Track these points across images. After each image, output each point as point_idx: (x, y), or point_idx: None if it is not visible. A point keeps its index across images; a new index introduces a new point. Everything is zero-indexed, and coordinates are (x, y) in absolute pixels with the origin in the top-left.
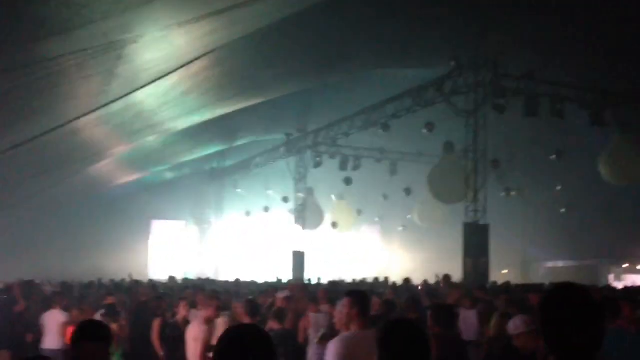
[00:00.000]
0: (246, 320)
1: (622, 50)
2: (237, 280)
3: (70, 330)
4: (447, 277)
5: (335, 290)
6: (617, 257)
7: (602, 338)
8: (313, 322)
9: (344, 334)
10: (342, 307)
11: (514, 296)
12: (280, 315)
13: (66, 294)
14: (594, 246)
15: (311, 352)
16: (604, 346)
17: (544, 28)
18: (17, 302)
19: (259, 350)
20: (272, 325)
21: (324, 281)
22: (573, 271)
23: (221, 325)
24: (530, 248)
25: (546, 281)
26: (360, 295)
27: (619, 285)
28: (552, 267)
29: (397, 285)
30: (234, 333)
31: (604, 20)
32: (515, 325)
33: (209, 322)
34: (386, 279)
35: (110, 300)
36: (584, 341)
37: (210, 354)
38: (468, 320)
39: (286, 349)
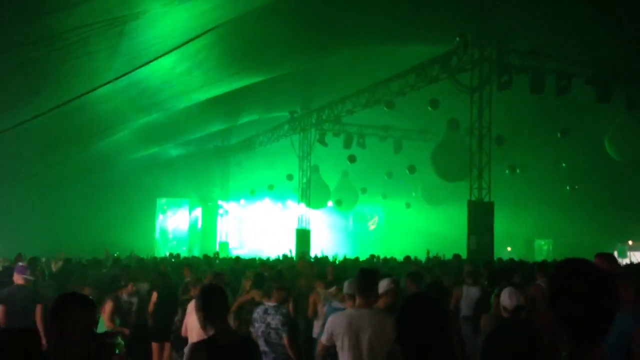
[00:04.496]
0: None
1: (629, 25)
2: (238, 258)
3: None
4: (457, 256)
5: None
6: (622, 234)
7: (614, 313)
8: (323, 297)
9: (346, 310)
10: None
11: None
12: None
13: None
14: (598, 223)
15: (317, 325)
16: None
17: (550, 2)
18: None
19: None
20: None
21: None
22: (577, 248)
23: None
24: (534, 225)
25: (550, 258)
26: (365, 274)
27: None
28: (556, 244)
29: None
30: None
31: None
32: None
33: None
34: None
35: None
36: (593, 316)
37: None
38: (470, 296)
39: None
